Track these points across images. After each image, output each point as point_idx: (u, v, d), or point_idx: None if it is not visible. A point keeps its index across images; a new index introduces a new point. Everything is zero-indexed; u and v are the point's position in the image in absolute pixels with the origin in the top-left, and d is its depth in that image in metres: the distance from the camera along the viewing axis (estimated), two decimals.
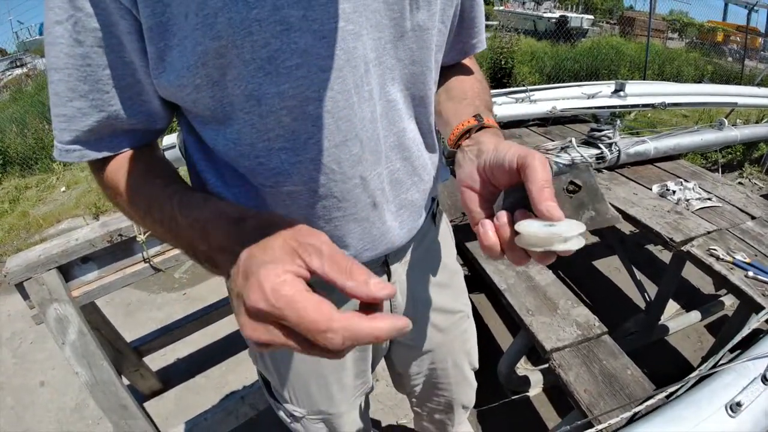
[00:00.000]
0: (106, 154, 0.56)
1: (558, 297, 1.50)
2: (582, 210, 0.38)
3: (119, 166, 0.57)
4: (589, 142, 2.20)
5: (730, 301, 2.36)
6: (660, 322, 2.17)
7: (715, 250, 1.53)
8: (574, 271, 2.71)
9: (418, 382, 1.00)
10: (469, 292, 0.99)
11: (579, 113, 2.73)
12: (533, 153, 0.48)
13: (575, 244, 0.42)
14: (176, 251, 1.59)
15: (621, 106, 2.65)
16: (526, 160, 0.48)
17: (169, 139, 1.99)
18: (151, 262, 1.55)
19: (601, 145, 2.15)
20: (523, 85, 2.86)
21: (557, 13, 11.71)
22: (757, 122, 3.69)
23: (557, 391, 1.85)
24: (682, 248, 1.59)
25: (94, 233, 1.43)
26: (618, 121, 2.23)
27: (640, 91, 2.83)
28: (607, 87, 2.79)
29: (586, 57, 7.55)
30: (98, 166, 0.58)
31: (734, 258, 1.49)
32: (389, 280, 0.76)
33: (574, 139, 2.18)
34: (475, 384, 1.09)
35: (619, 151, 2.16)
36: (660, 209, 1.84)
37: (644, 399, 1.04)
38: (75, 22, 0.46)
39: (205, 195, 0.52)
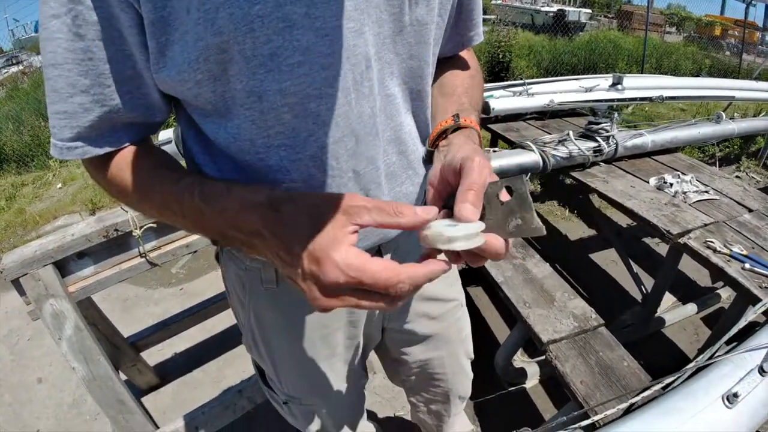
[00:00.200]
0: (107, 149, 0.55)
1: (555, 289, 1.51)
2: (511, 217, 0.40)
3: (124, 163, 0.57)
4: (587, 135, 2.20)
5: (726, 294, 2.37)
6: (656, 315, 2.17)
7: (712, 242, 1.53)
8: (571, 263, 2.72)
9: (414, 371, 1.00)
10: (467, 285, 0.99)
11: (577, 107, 2.72)
12: (473, 157, 0.50)
13: (461, 246, 0.44)
14: (172, 246, 1.59)
15: (618, 100, 2.64)
16: (465, 162, 0.50)
17: (165, 134, 1.97)
18: (148, 257, 1.54)
19: (598, 138, 2.15)
20: (521, 79, 2.85)
21: (555, 7, 11.67)
22: (754, 116, 3.69)
23: (554, 383, 1.86)
24: (679, 240, 1.60)
25: (89, 228, 1.42)
26: (615, 115, 2.22)
27: (638, 85, 2.82)
28: (604, 80, 2.78)
29: (583, 51, 7.55)
30: (98, 163, 0.57)
31: (731, 250, 1.49)
32: None
33: (571, 132, 2.18)
34: (471, 374, 1.09)
35: (616, 144, 2.16)
36: (657, 202, 1.84)
37: (641, 390, 1.04)
38: (75, 15, 0.46)
39: (226, 183, 0.53)
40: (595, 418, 1.01)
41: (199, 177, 0.56)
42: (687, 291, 2.48)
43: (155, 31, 0.47)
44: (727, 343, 1.05)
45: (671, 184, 1.95)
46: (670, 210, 1.77)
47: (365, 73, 0.55)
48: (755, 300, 1.30)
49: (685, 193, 1.90)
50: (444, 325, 0.94)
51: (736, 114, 3.21)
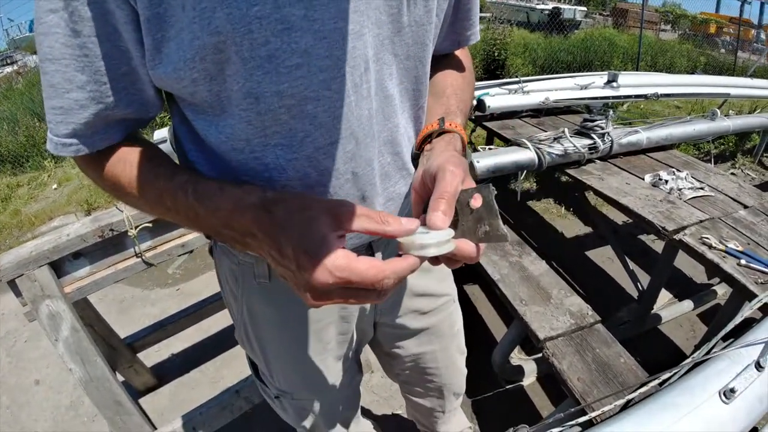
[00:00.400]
0: (100, 146, 0.55)
1: (551, 287, 1.51)
2: (480, 224, 0.42)
3: (118, 160, 0.57)
4: (582, 132, 2.20)
5: (722, 290, 2.38)
6: (653, 311, 2.18)
7: (707, 238, 1.54)
8: (567, 261, 2.73)
9: (407, 365, 1.00)
10: (463, 282, 0.99)
11: (572, 104, 2.73)
12: (446, 165, 0.51)
13: (432, 252, 0.47)
14: (168, 246, 1.59)
15: (614, 97, 2.65)
16: (438, 170, 0.51)
17: (161, 134, 1.96)
18: (143, 257, 1.54)
19: (593, 135, 2.15)
20: (517, 77, 2.85)
21: (550, 5, 11.64)
22: (749, 113, 3.71)
23: (551, 380, 1.86)
24: (675, 237, 1.60)
25: (85, 228, 1.42)
26: (611, 112, 2.23)
27: (633, 82, 2.83)
28: (600, 78, 2.78)
29: (579, 48, 7.53)
30: (91, 161, 0.57)
31: (727, 246, 1.49)
32: None
33: (567, 130, 2.18)
34: (464, 370, 1.10)
35: (611, 141, 2.17)
36: (652, 198, 1.84)
37: (638, 386, 1.04)
38: (72, 11, 0.45)
39: (219, 182, 0.53)
40: (593, 414, 1.02)
41: (193, 175, 0.56)
42: (683, 288, 2.49)
43: (151, 27, 0.47)
44: (724, 339, 1.05)
45: (666, 181, 1.96)
46: (665, 207, 1.78)
47: (364, 75, 0.55)
48: (751, 296, 1.31)
49: (680, 189, 1.90)
50: (435, 320, 0.94)
51: (731, 111, 3.22)
